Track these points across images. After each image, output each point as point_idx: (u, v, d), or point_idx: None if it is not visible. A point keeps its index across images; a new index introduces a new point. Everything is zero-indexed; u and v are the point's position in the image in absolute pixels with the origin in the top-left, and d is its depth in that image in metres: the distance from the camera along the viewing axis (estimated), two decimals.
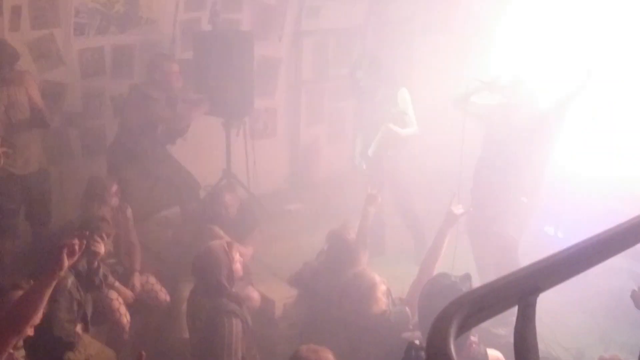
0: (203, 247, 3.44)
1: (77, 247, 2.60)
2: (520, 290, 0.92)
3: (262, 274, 4.60)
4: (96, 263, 3.38)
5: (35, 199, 4.44)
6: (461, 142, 4.04)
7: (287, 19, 6.03)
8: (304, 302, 3.90)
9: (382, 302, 3.07)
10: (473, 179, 4.32)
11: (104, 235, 3.39)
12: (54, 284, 2.55)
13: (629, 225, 1.06)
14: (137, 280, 4.15)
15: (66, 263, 2.55)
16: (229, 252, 3.34)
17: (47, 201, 4.52)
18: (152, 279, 4.25)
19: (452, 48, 6.03)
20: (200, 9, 5.31)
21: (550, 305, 2.41)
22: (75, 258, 2.64)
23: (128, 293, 4.00)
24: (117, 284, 3.93)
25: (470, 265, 3.99)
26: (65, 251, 2.55)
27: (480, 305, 0.88)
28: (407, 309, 3.13)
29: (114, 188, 4.19)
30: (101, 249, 3.34)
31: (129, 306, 3.94)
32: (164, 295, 4.21)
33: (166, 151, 4.96)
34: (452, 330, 0.81)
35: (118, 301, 3.89)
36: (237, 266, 3.38)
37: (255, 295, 4.25)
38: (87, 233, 2.88)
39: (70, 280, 3.19)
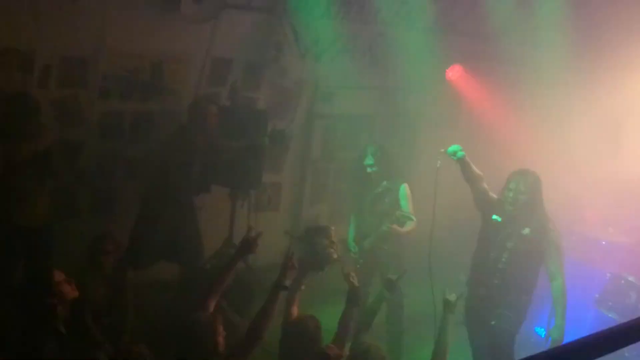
0: (188, 317, 3.46)
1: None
2: None
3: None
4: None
5: (36, 253, 4.47)
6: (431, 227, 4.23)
7: (301, 102, 6.32)
8: None
9: None
10: (471, 272, 4.37)
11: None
12: None
13: None
14: (126, 343, 4.13)
15: None
16: (214, 324, 3.36)
17: (47, 256, 4.54)
18: (142, 345, 4.22)
19: (456, 142, 6.26)
20: (221, 85, 5.60)
21: None
22: None
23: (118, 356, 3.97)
24: (106, 345, 3.91)
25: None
26: None
27: None
28: None
29: (110, 247, 4.22)
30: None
31: None
32: None
33: (193, 204, 5.09)
34: None
35: None
36: (221, 339, 3.39)
37: None
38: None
39: None
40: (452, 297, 3.71)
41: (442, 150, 4.19)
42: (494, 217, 4.19)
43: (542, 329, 5.16)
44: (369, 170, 4.97)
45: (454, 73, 6.21)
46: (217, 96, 5.58)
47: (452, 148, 4.17)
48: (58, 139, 4.74)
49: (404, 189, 4.96)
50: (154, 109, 5.29)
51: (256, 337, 3.35)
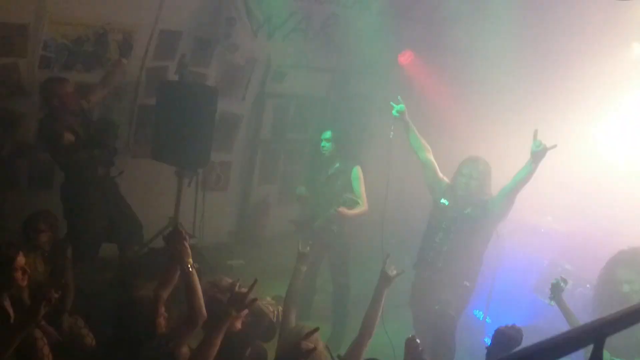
0: (129, 296, 3.38)
1: (53, 298, 2.59)
2: None
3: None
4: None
5: None
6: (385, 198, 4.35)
7: (252, 80, 6.22)
8: None
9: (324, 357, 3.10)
10: (418, 255, 4.46)
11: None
12: (25, 332, 2.49)
13: None
14: (65, 321, 4.02)
15: (42, 313, 2.54)
16: (155, 304, 3.29)
17: None
18: (81, 322, 4.11)
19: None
20: (168, 59, 5.42)
21: None
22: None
23: (53, 333, 3.86)
24: (43, 322, 3.79)
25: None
26: (44, 303, 2.53)
27: None
28: None
29: (42, 226, 4.09)
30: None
31: (52, 347, 3.79)
32: (90, 339, 4.05)
33: (109, 175, 4.81)
34: None
35: (42, 341, 3.72)
36: (160, 320, 3.31)
37: (184, 350, 4.16)
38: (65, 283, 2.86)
39: None
40: (391, 271, 3.63)
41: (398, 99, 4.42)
42: (442, 200, 4.33)
43: (480, 312, 5.32)
44: (323, 144, 5.00)
45: (406, 58, 6.26)
46: (165, 70, 5.42)
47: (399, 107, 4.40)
48: None
49: (357, 171, 5.02)
50: (98, 80, 5.03)
51: (190, 320, 3.27)
